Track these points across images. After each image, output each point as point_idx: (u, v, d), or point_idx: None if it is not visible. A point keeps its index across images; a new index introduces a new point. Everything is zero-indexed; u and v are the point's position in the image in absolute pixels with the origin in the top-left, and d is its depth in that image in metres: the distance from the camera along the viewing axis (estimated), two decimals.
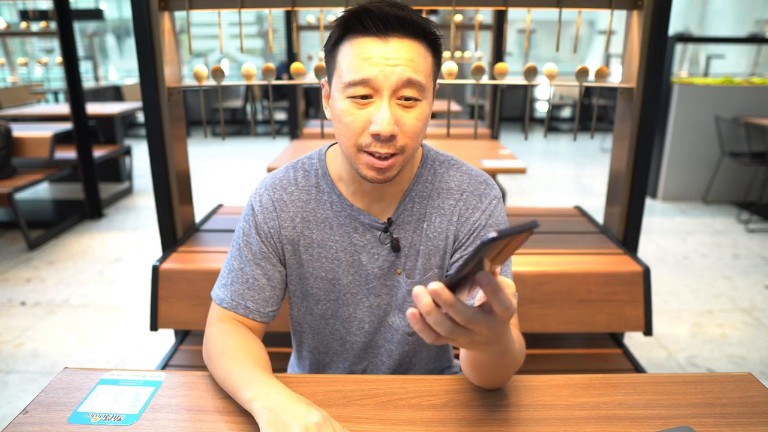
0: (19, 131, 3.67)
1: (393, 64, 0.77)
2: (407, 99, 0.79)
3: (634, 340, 2.41)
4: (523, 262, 1.52)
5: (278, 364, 0.98)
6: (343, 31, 0.80)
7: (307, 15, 4.23)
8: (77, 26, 6.43)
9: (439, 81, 1.66)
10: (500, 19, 4.15)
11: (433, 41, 0.82)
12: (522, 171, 2.55)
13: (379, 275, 0.95)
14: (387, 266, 0.94)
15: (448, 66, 1.58)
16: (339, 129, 0.82)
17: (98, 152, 4.25)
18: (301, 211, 0.94)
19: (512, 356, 0.76)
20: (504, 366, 0.77)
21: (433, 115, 4.97)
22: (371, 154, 0.81)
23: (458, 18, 4.40)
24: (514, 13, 9.24)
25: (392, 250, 0.93)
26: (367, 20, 0.77)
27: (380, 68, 0.77)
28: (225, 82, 1.63)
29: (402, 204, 0.93)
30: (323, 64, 1.20)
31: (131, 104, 5.45)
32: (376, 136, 0.79)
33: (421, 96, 0.80)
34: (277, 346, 1.34)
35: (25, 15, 5.11)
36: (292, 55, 4.27)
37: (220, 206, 2.09)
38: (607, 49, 1.70)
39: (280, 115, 8.57)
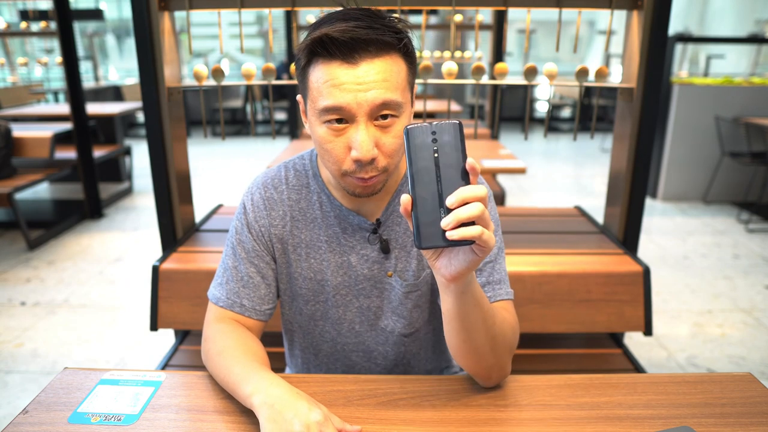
0: (19, 131, 3.67)
1: (366, 89, 0.75)
2: (385, 118, 0.78)
3: (634, 340, 2.41)
4: (523, 262, 1.53)
5: (277, 364, 0.98)
6: (309, 55, 0.78)
7: (307, 15, 4.22)
8: (77, 26, 6.43)
9: (439, 81, 1.66)
10: (500, 19, 4.15)
11: (405, 52, 0.80)
12: (522, 171, 2.55)
13: (368, 276, 0.94)
14: (377, 268, 0.94)
15: (448, 66, 1.58)
16: (321, 154, 0.82)
17: (98, 152, 4.25)
18: (291, 210, 0.94)
19: (488, 305, 0.77)
20: (488, 319, 0.77)
21: (433, 115, 4.97)
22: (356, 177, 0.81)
23: (458, 18, 4.40)
24: (514, 13, 9.24)
25: (381, 251, 0.93)
26: (332, 47, 0.75)
27: (353, 95, 0.75)
28: (225, 82, 1.63)
29: (391, 205, 0.93)
30: None
31: (131, 104, 5.45)
32: (358, 162, 0.78)
33: (398, 112, 0.79)
34: (277, 346, 1.34)
35: (25, 15, 5.11)
36: (292, 55, 4.27)
37: (220, 206, 2.09)
38: (607, 49, 1.70)
39: (280, 115, 8.57)
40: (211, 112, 8.11)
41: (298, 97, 0.87)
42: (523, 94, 8.30)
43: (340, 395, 0.83)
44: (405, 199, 0.63)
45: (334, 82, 0.76)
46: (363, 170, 0.79)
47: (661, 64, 1.55)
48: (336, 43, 0.74)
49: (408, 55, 0.81)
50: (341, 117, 0.77)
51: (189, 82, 1.71)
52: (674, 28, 8.52)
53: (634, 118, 1.61)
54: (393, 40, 0.77)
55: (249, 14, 11.21)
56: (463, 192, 0.62)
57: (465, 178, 0.64)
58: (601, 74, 1.60)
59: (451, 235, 0.62)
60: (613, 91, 7.60)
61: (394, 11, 1.57)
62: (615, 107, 3.47)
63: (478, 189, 0.62)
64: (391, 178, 0.92)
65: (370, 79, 0.75)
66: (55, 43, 6.61)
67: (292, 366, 1.11)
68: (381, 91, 0.76)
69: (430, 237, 0.64)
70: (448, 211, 0.63)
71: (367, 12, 0.78)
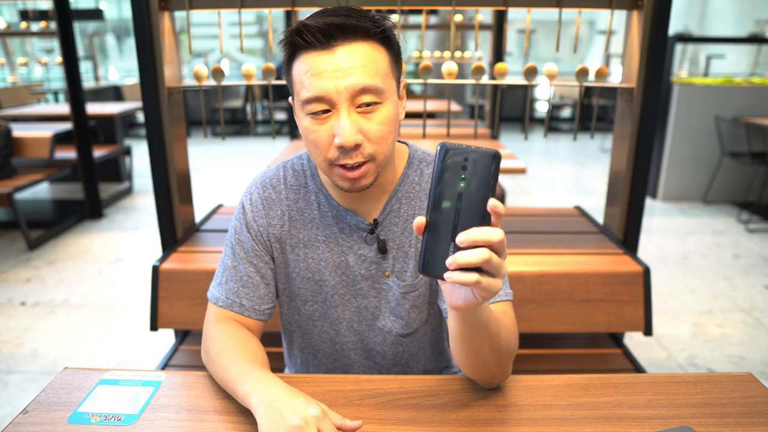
0: (19, 131, 3.67)
1: (344, 75, 0.76)
2: (367, 105, 0.78)
3: (634, 340, 2.41)
4: (523, 262, 1.53)
5: (276, 364, 0.99)
6: (291, 49, 0.80)
7: (307, 15, 4.22)
8: (77, 26, 6.43)
9: (439, 81, 1.66)
10: (500, 19, 4.15)
11: (384, 38, 0.80)
12: (522, 171, 2.54)
13: (366, 277, 0.94)
14: (374, 268, 0.94)
15: (448, 66, 1.58)
16: (308, 146, 0.83)
17: (98, 152, 4.26)
18: (289, 210, 0.95)
19: (497, 324, 0.76)
20: (495, 338, 0.76)
21: (433, 115, 4.97)
22: (342, 166, 0.81)
23: (458, 18, 4.40)
24: (514, 13, 9.24)
25: (379, 251, 0.93)
26: (308, 35, 0.76)
27: (332, 82, 0.76)
28: (225, 82, 1.63)
29: (388, 205, 0.93)
30: None
31: (131, 104, 5.44)
32: (341, 149, 0.78)
33: (380, 99, 0.79)
34: (276, 346, 1.34)
35: (25, 15, 5.11)
36: None
37: (220, 206, 2.09)
38: (607, 49, 1.70)
39: (280, 115, 8.57)
40: (211, 112, 8.11)
41: (290, 99, 0.88)
42: (523, 94, 8.30)
43: (339, 395, 0.83)
44: (419, 221, 0.61)
45: (313, 71, 0.77)
46: (348, 156, 0.79)
47: (661, 64, 1.55)
48: (311, 31, 0.76)
49: (389, 44, 0.82)
50: (322, 105, 0.78)
51: (189, 82, 1.71)
52: (674, 28, 8.52)
53: (634, 118, 1.61)
54: (370, 26, 0.78)
55: (249, 14, 11.21)
56: (474, 234, 0.58)
57: (485, 216, 0.59)
58: (601, 74, 1.60)
59: (448, 276, 0.59)
60: (613, 91, 7.60)
61: (394, 11, 1.57)
62: (615, 107, 3.47)
63: (492, 233, 0.59)
64: (387, 177, 0.91)
65: (348, 64, 0.76)
66: (55, 43, 6.61)
67: (292, 366, 1.11)
68: (360, 77, 0.77)
69: (432, 266, 0.61)
70: (457, 246, 0.59)
71: (346, 7, 0.80)
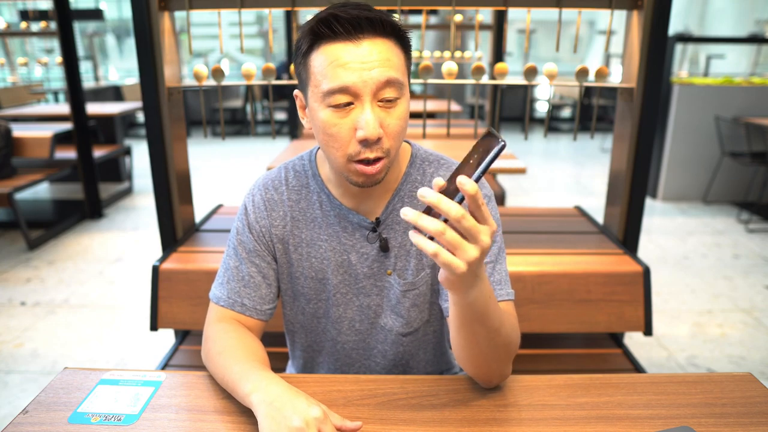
0: (19, 131, 3.67)
1: (369, 68, 0.76)
2: (389, 100, 0.79)
3: (634, 340, 2.41)
4: (523, 262, 1.53)
5: (277, 364, 0.99)
6: (313, 39, 0.78)
7: (307, 15, 4.22)
8: (77, 26, 6.43)
9: (439, 81, 1.66)
10: (500, 19, 4.15)
11: (402, 39, 0.82)
12: (522, 171, 2.54)
13: (368, 275, 0.94)
14: (376, 266, 0.94)
15: (448, 66, 1.58)
16: (325, 140, 0.81)
17: (98, 152, 4.26)
18: (291, 211, 0.95)
19: (498, 322, 0.76)
20: (492, 334, 0.76)
21: (433, 115, 4.97)
22: (360, 161, 0.80)
23: (458, 18, 4.41)
24: (514, 13, 9.24)
25: (381, 250, 0.93)
26: (336, 25, 0.76)
27: (358, 73, 0.76)
28: (225, 82, 1.63)
29: (391, 204, 0.93)
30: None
31: (131, 104, 5.45)
32: (364, 142, 0.78)
33: (400, 94, 0.80)
34: (277, 346, 1.34)
35: (25, 15, 5.11)
36: (292, 55, 4.26)
37: (220, 206, 2.09)
38: (607, 49, 1.70)
39: (280, 115, 8.57)
40: (211, 112, 8.11)
41: (296, 92, 0.88)
42: (523, 94, 8.30)
43: (340, 395, 0.83)
44: (438, 182, 0.63)
45: (338, 62, 0.76)
46: (368, 149, 0.79)
47: (661, 64, 1.55)
48: (340, 22, 0.76)
49: (405, 47, 0.83)
50: (346, 97, 0.78)
51: (189, 82, 1.71)
52: (674, 28, 8.52)
53: (634, 118, 1.62)
54: (395, 24, 0.80)
55: (249, 14, 11.21)
56: (434, 197, 0.59)
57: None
58: (601, 74, 1.60)
59: (412, 234, 0.61)
60: (613, 91, 7.60)
61: (394, 11, 1.57)
62: (615, 107, 3.47)
63: (449, 205, 0.59)
64: (391, 175, 0.92)
65: (373, 57, 0.77)
66: (55, 43, 6.62)
67: (294, 366, 1.11)
68: (385, 69, 0.77)
69: None
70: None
71: (362, 3, 0.80)
